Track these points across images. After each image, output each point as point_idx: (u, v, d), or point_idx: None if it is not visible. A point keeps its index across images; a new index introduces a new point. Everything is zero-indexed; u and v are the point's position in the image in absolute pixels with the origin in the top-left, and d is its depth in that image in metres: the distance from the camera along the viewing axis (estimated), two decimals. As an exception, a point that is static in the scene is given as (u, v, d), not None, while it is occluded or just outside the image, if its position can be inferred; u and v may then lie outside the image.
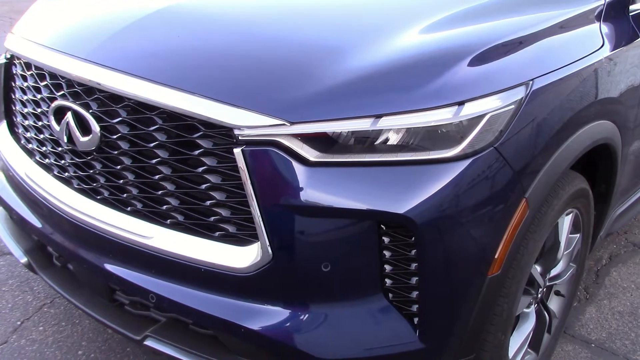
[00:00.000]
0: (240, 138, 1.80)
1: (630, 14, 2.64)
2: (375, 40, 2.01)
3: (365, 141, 1.82)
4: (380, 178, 1.81)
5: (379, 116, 1.79)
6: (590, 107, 2.25)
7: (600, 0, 2.47)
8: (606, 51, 2.37)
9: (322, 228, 1.84)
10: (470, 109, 1.83)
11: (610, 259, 3.76)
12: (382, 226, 1.84)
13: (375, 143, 1.82)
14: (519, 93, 1.93)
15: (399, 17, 2.24)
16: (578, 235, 2.63)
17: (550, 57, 2.12)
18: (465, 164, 1.82)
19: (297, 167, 1.80)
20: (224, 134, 1.84)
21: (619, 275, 3.57)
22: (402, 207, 1.78)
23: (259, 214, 1.81)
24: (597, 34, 2.39)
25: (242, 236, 1.91)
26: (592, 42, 2.34)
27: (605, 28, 2.43)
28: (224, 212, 1.91)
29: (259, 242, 1.85)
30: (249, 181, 1.80)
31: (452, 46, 1.97)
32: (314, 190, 1.80)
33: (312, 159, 1.80)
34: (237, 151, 1.80)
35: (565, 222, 2.44)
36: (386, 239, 1.85)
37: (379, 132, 1.81)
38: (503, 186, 1.91)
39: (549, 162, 2.05)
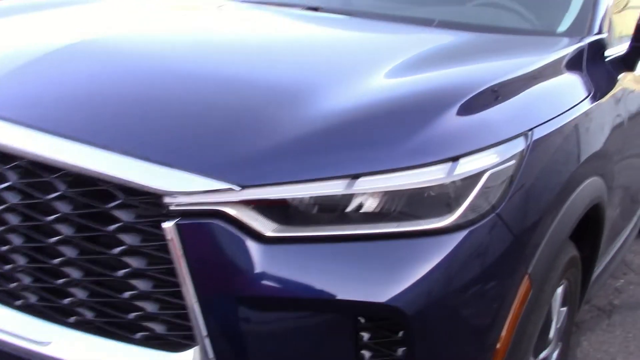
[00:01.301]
0: (172, 208, 1.35)
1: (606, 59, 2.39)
2: (343, 83, 1.63)
3: (336, 209, 1.41)
4: (356, 257, 1.40)
5: (355, 176, 1.39)
6: (587, 161, 1.93)
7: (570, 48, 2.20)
8: (590, 100, 2.09)
9: (283, 325, 1.41)
10: (466, 167, 1.45)
11: (577, 326, 3.44)
12: (360, 319, 1.42)
13: (347, 211, 1.41)
14: (519, 145, 1.57)
15: (364, 58, 1.88)
16: (565, 308, 2.29)
17: (545, 104, 1.80)
18: (461, 236, 1.43)
19: (249, 245, 1.37)
20: (149, 203, 1.39)
21: (590, 345, 3.25)
22: (385, 294, 1.37)
23: (197, 309, 1.36)
24: (578, 82, 2.11)
25: (174, 338, 1.44)
26: (577, 91, 2.05)
27: (586, 76, 2.16)
28: (149, 307, 1.44)
29: (197, 347, 1.39)
30: (183, 265, 1.35)
31: (436, 90, 1.61)
32: (272, 275, 1.37)
33: (268, 233, 1.38)
34: (167, 226, 1.34)
35: (558, 296, 2.09)
36: (365, 336, 1.43)
37: (353, 198, 1.41)
38: (506, 261, 1.54)
39: (551, 228, 1.70)
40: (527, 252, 1.59)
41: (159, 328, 1.44)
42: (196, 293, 1.36)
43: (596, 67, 2.28)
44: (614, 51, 2.42)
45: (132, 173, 1.37)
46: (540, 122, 1.68)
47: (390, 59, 1.85)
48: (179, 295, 1.39)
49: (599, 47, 2.34)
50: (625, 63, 2.47)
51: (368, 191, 1.40)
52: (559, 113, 1.79)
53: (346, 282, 1.38)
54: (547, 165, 1.69)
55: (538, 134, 1.64)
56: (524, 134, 1.60)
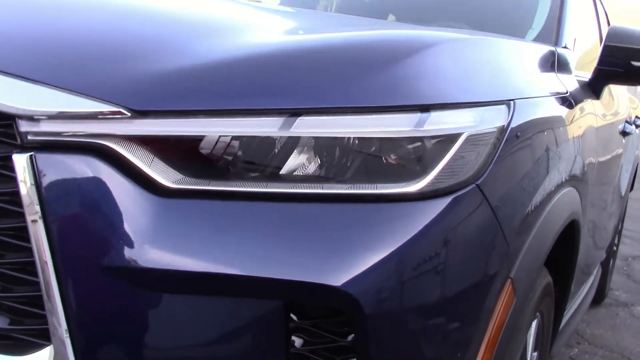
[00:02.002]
0: (30, 138, 0.94)
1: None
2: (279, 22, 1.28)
3: (265, 158, 1.02)
4: (290, 224, 1.00)
5: (294, 113, 1.01)
6: (565, 164, 1.62)
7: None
8: (566, 102, 1.81)
9: (180, 313, 0.97)
10: (439, 121, 1.10)
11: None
12: (293, 316, 1.01)
13: (280, 161, 1.03)
14: (501, 114, 1.24)
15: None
16: (537, 354, 1.91)
17: (524, 82, 1.49)
18: (433, 206, 1.06)
19: (140, 197, 0.96)
20: (2, 132, 0.97)
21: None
22: (335, 276, 0.97)
23: (54, 289, 0.92)
24: (552, 79, 1.83)
25: (18, 334, 0.98)
26: (556, 86, 1.76)
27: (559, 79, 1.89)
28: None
29: (52, 347, 0.94)
30: (39, 221, 0.92)
31: (397, 35, 1.28)
32: (171, 242, 0.95)
33: (169, 184, 0.97)
34: (19, 159, 0.92)
35: (532, 332, 1.72)
36: (297, 341, 1.01)
37: (289, 143, 1.03)
38: (486, 250, 1.17)
39: (535, 228, 1.35)
40: (510, 249, 1.23)
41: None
42: (55, 264, 0.92)
43: (567, 74, 2.03)
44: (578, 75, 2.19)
45: None
46: (521, 97, 1.36)
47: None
48: (29, 268, 0.95)
49: (566, 60, 2.10)
50: (591, 89, 2.23)
51: (310, 134, 1.02)
52: (538, 95, 1.49)
53: (279, 257, 0.97)
54: (531, 147, 1.36)
55: (520, 108, 1.32)
56: (506, 103, 1.27)
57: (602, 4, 3.37)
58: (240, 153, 1.01)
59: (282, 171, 1.03)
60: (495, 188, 1.18)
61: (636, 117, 3.68)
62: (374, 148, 1.06)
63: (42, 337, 0.97)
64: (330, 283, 0.97)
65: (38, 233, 0.92)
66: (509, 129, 1.24)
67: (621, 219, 4.10)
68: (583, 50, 2.50)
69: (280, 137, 1.01)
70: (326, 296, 0.99)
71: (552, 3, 2.31)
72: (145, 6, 1.41)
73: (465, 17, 2.49)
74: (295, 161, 1.03)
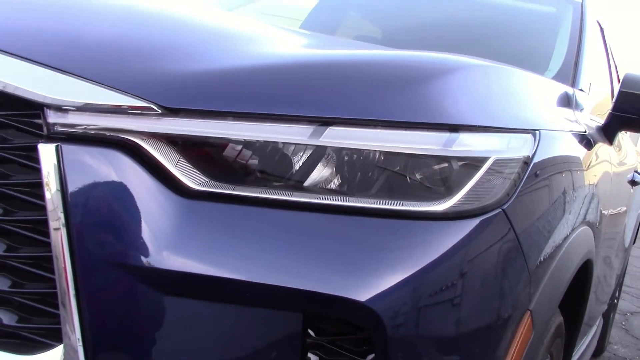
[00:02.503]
0: (57, 128, 0.92)
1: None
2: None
3: (293, 166, 1.00)
4: (318, 235, 0.98)
5: (325, 122, 0.99)
6: (582, 201, 1.60)
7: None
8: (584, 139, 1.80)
9: (199, 321, 0.94)
10: (467, 143, 1.08)
11: None
12: (310, 331, 0.97)
13: (309, 170, 1.01)
14: (527, 143, 1.22)
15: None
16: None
17: (548, 113, 1.48)
18: (463, 226, 1.04)
19: (165, 197, 0.93)
20: (22, 120, 0.95)
21: None
22: (359, 290, 0.94)
23: (71, 286, 0.89)
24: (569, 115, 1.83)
25: (29, 333, 0.94)
26: (575, 125, 1.76)
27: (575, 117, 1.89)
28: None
29: (62, 347, 0.90)
30: (60, 214, 0.89)
31: (428, 56, 1.27)
32: (193, 245, 0.92)
33: (194, 185, 0.95)
34: (44, 149, 0.90)
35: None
36: (313, 358, 0.98)
37: (318, 152, 1.01)
38: (510, 275, 1.14)
39: (555, 261, 1.32)
40: (531, 279, 1.20)
41: (6, 317, 0.95)
42: (73, 260, 0.89)
43: (584, 116, 2.03)
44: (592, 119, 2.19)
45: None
46: (546, 128, 1.35)
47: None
48: (43, 263, 0.92)
49: (583, 102, 2.10)
50: (604, 133, 2.23)
51: (339, 145, 1.00)
52: (561, 129, 1.48)
53: (301, 267, 0.95)
54: (554, 180, 1.35)
55: (545, 139, 1.31)
56: (532, 133, 1.26)
57: (612, 54, 3.41)
58: (265, 160, 1.00)
59: (307, 181, 1.01)
60: (519, 215, 1.16)
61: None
62: (400, 164, 1.04)
63: (51, 337, 0.94)
64: (354, 297, 0.94)
65: (59, 227, 0.89)
66: (534, 157, 1.22)
67: (623, 272, 4.07)
68: (595, 96, 2.51)
69: (308, 145, 1.00)
70: (348, 311, 0.96)
71: (569, 46, 2.33)
72: (182, 12, 1.41)
73: (481, 55, 2.51)
74: (321, 172, 1.01)
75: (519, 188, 1.16)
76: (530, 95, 1.46)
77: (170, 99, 0.94)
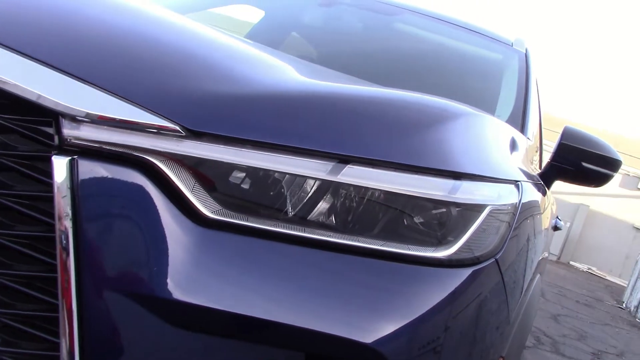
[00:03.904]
0: (68, 138, 0.86)
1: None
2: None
3: (310, 201, 0.98)
4: (326, 274, 0.96)
5: (344, 160, 0.98)
6: (541, 249, 1.67)
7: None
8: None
9: (203, 354, 0.89)
10: (469, 190, 1.10)
11: None
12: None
13: (325, 206, 0.99)
14: (514, 192, 1.26)
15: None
16: None
17: (521, 163, 1.53)
18: (464, 274, 1.05)
19: (179, 223, 0.88)
20: (33, 128, 0.88)
21: None
22: (365, 332, 0.93)
23: (75, 311, 0.83)
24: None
25: (11, 357, 0.87)
26: (533, 174, 1.83)
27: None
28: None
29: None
30: (69, 232, 0.83)
31: (430, 101, 1.28)
32: (206, 277, 0.88)
33: (208, 213, 0.90)
34: (58, 161, 0.84)
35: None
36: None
37: (334, 189, 0.99)
38: (496, 323, 1.17)
39: (524, 308, 1.37)
40: (508, 326, 1.24)
41: (-12, 340, 0.86)
42: (78, 282, 0.83)
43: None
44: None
45: (12, 73, 0.86)
46: (523, 179, 1.40)
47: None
48: (38, 283, 0.85)
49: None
50: (543, 181, 2.34)
51: (356, 183, 0.99)
52: (529, 180, 1.54)
53: (306, 304, 0.92)
54: (527, 230, 1.39)
55: (525, 190, 1.36)
56: (516, 183, 1.30)
57: (539, 104, 3.59)
58: (280, 192, 0.97)
59: (319, 217, 0.99)
60: (506, 265, 1.19)
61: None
62: (405, 207, 1.04)
63: (40, 364, 0.86)
64: (361, 340, 0.93)
65: (67, 247, 0.82)
66: (520, 207, 1.26)
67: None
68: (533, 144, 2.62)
69: (325, 181, 0.98)
70: (353, 353, 0.94)
71: (517, 94, 2.43)
72: (209, 32, 1.35)
73: (429, 91, 2.57)
74: (334, 209, 1.00)
75: (509, 236, 1.19)
76: (508, 145, 1.51)
77: (195, 121, 0.90)
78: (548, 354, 5.63)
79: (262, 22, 3.25)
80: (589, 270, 15.74)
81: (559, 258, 16.15)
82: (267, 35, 2.99)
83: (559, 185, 2.72)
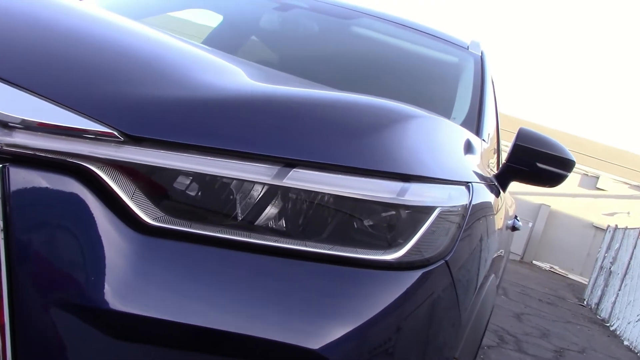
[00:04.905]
0: (4, 147, 0.83)
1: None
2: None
3: (255, 206, 0.97)
4: (272, 280, 0.95)
5: (290, 164, 0.97)
6: (495, 249, 1.67)
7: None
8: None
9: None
10: (418, 192, 1.10)
11: None
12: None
13: (269, 211, 0.98)
14: (464, 193, 1.27)
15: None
16: None
17: (472, 165, 1.54)
18: (411, 277, 1.05)
19: (118, 231, 0.86)
20: None
21: None
22: (313, 338, 0.92)
23: (7, 326, 0.80)
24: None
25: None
26: (486, 175, 1.84)
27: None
28: None
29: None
30: (1, 243, 0.80)
31: (379, 102, 1.28)
32: (146, 285, 0.86)
33: (149, 220, 0.88)
34: None
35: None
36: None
37: (279, 194, 0.98)
38: (446, 325, 1.16)
39: (475, 311, 1.37)
40: (460, 327, 1.23)
41: None
42: (11, 295, 0.80)
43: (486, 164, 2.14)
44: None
45: None
46: (474, 181, 1.40)
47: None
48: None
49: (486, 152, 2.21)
50: (498, 182, 2.37)
51: (302, 187, 0.98)
52: (481, 181, 1.55)
53: (252, 311, 0.90)
54: (479, 231, 1.40)
55: (476, 192, 1.36)
56: (466, 185, 1.30)
57: (497, 107, 3.63)
58: (224, 197, 0.95)
59: (264, 222, 0.97)
60: (457, 266, 1.19)
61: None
62: (354, 211, 1.03)
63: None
64: (308, 346, 0.91)
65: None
66: (470, 209, 1.26)
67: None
68: (489, 146, 2.65)
69: (270, 185, 0.97)
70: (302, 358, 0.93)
71: (473, 97, 2.45)
72: (152, 33, 1.32)
73: (385, 94, 2.58)
74: (278, 213, 0.99)
75: (459, 238, 1.19)
76: (459, 147, 1.51)
77: (134, 126, 0.88)
78: (511, 353, 5.69)
79: (220, 26, 3.23)
80: (552, 269, 16.01)
81: (522, 258, 16.41)
82: (225, 40, 2.97)
83: (520, 186, 2.76)
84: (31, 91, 0.85)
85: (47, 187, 0.83)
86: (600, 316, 9.95)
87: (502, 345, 5.86)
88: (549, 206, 16.86)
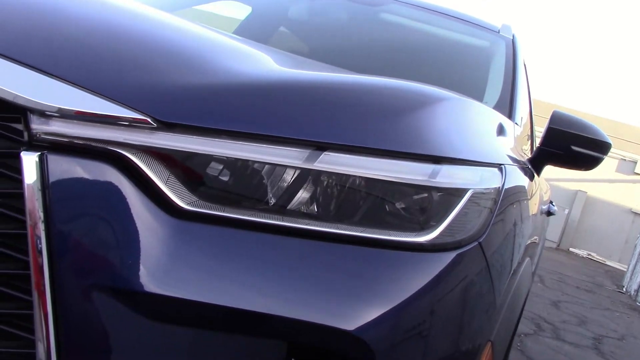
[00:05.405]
0: (37, 134, 0.85)
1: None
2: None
3: (286, 189, 0.98)
4: (306, 262, 0.95)
5: (321, 147, 0.97)
6: (530, 232, 1.66)
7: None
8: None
9: (182, 348, 0.88)
10: (449, 174, 1.10)
11: None
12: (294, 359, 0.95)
13: (301, 195, 0.98)
14: (496, 176, 1.25)
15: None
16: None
17: (505, 147, 1.52)
18: (447, 258, 1.04)
19: (154, 216, 0.88)
20: (3, 125, 0.87)
21: None
22: (348, 320, 0.92)
23: (49, 308, 0.82)
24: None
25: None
26: (520, 159, 1.82)
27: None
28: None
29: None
30: (42, 230, 0.82)
31: (409, 85, 1.27)
32: (180, 268, 0.87)
33: (183, 205, 0.90)
34: (27, 157, 0.83)
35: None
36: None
37: (311, 177, 0.99)
38: (481, 308, 1.16)
39: (511, 292, 1.36)
40: (495, 310, 1.23)
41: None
42: (52, 279, 0.82)
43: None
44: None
45: None
46: (508, 163, 1.39)
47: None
48: (20, 281, 0.84)
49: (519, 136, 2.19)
50: (532, 166, 2.34)
51: (332, 170, 0.98)
52: (515, 164, 1.53)
53: (286, 293, 0.92)
54: (513, 213, 1.39)
55: (509, 174, 1.35)
56: (499, 167, 1.29)
57: (529, 91, 3.58)
58: (256, 181, 0.96)
59: (296, 205, 0.98)
60: (491, 248, 1.18)
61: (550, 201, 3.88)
62: (385, 193, 1.04)
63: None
64: (344, 327, 0.92)
65: (39, 241, 0.82)
66: (503, 191, 1.25)
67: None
68: (523, 130, 2.62)
69: (301, 169, 0.97)
70: (336, 341, 0.93)
71: (505, 80, 2.42)
72: (181, 23, 1.34)
73: (416, 80, 2.57)
74: (310, 196, 0.99)
75: (492, 220, 1.18)
76: (492, 129, 1.50)
77: (167, 112, 0.89)
78: (549, 340, 5.63)
79: (249, 18, 3.24)
80: (589, 256, 15.77)
81: (558, 245, 16.18)
82: (254, 31, 2.99)
83: (555, 172, 2.71)
84: (67, 80, 0.87)
85: (83, 174, 0.85)
86: (639, 303, 9.78)
87: (539, 332, 5.80)
88: (586, 192, 16.59)
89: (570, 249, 16.22)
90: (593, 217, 16.65)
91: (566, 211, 15.96)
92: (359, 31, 2.96)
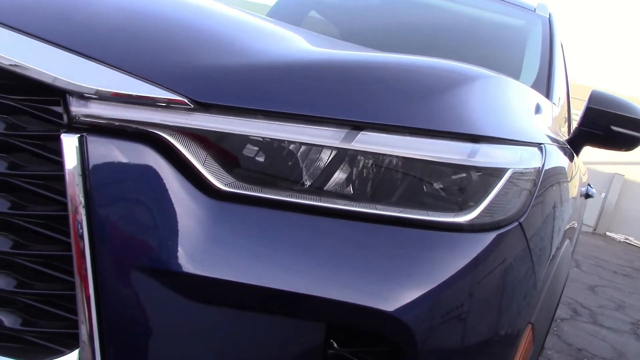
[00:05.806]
0: (76, 116, 0.85)
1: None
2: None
3: (324, 169, 0.97)
4: (344, 243, 0.94)
5: (358, 126, 0.96)
6: (570, 214, 1.63)
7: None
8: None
9: (221, 329, 0.89)
10: (488, 154, 1.07)
11: None
12: (333, 342, 0.94)
13: (339, 175, 0.98)
14: (536, 156, 1.23)
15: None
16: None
17: (544, 126, 1.49)
18: (487, 239, 1.03)
19: (192, 197, 0.88)
20: (41, 108, 0.87)
21: None
22: (387, 301, 0.91)
23: (91, 289, 0.82)
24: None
25: (33, 337, 0.87)
26: (559, 138, 1.79)
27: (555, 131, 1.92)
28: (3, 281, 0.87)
29: (78, 351, 0.83)
30: (83, 211, 0.82)
31: (448, 64, 1.25)
32: (219, 249, 0.87)
33: (221, 186, 0.89)
34: (67, 139, 0.83)
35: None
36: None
37: (348, 157, 0.97)
38: (521, 289, 1.14)
39: (552, 274, 1.33)
40: (535, 293, 1.21)
41: (9, 319, 0.87)
42: (94, 259, 0.83)
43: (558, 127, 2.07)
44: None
45: (18, 53, 0.86)
46: (548, 142, 1.36)
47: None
48: (55, 263, 0.85)
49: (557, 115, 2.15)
50: (571, 146, 2.29)
51: (370, 150, 0.97)
52: (554, 143, 1.50)
53: (325, 274, 0.91)
54: (554, 193, 1.36)
55: (549, 153, 1.32)
56: (539, 146, 1.27)
57: (566, 71, 3.51)
58: (292, 161, 0.96)
59: (333, 186, 0.97)
60: (532, 228, 1.16)
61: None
62: (423, 173, 1.02)
63: (58, 342, 0.87)
64: (383, 308, 0.91)
65: (81, 225, 0.82)
66: (543, 171, 1.23)
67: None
68: (561, 110, 2.57)
69: (338, 149, 0.96)
70: (376, 322, 0.93)
71: (542, 59, 2.38)
72: (215, 6, 1.34)
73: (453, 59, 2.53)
74: (348, 176, 0.98)
75: (533, 200, 1.16)
76: (531, 108, 1.47)
77: (203, 93, 0.89)
78: (586, 325, 5.56)
79: (279, 3, 3.23)
80: (627, 241, 15.47)
81: (595, 229, 15.92)
82: (284, 16, 2.98)
83: (591, 155, 2.65)
84: (104, 62, 0.87)
85: (121, 157, 0.85)
86: (679, 288, 9.58)
87: (576, 317, 5.72)
88: (623, 175, 16.25)
89: (607, 233, 15.94)
90: (631, 201, 16.32)
91: (603, 195, 15.66)
92: (392, 13, 2.93)
